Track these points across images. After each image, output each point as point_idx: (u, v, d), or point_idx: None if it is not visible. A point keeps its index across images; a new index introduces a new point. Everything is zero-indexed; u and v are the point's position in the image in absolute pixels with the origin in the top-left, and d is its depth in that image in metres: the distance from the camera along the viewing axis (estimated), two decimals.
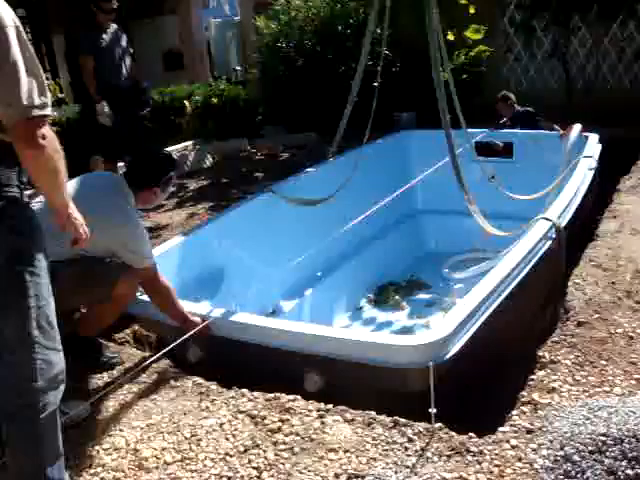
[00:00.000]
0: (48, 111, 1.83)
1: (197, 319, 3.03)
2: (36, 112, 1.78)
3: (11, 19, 1.76)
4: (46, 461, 1.96)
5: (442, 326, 2.66)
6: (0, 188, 1.87)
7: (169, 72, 11.21)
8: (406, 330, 4.65)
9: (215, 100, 8.58)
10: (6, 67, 1.74)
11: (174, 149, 7.79)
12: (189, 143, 8.12)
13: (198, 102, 8.72)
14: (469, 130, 4.23)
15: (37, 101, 1.78)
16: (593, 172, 4.78)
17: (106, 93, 5.55)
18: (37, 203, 2.67)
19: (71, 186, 2.13)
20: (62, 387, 2.00)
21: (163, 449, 2.38)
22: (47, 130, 1.83)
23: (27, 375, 1.90)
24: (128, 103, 5.79)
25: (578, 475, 2.02)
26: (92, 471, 2.31)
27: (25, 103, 1.76)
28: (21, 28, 1.79)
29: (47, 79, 1.85)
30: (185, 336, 2.81)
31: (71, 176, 2.29)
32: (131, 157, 3.49)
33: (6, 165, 1.89)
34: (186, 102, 8.79)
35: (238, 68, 10.56)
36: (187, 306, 3.17)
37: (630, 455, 2.03)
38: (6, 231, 1.87)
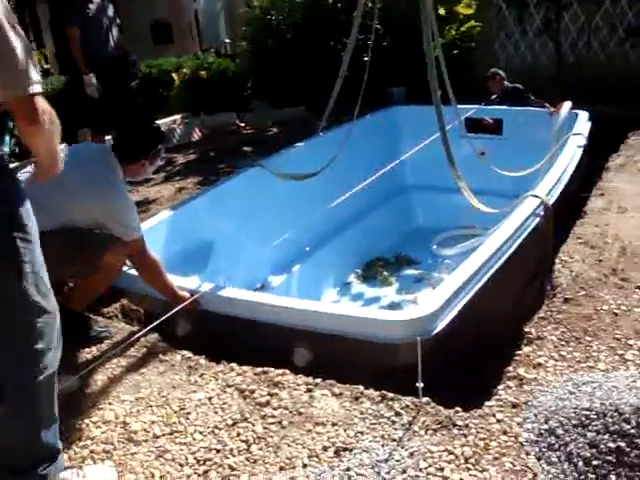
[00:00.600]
0: (40, 87, 1.82)
1: (185, 293, 3.03)
2: (36, 88, 1.78)
3: None
4: (42, 424, 1.97)
5: (430, 302, 2.68)
6: None
7: (157, 45, 11.06)
8: (394, 306, 4.68)
9: (204, 73, 8.48)
10: (2, 47, 1.72)
11: (162, 122, 7.71)
12: (177, 116, 8.05)
13: (186, 75, 8.63)
14: (459, 106, 4.23)
15: (34, 77, 1.77)
16: (582, 150, 4.79)
17: (93, 64, 5.48)
18: (23, 174, 2.65)
19: (65, 155, 2.11)
20: (60, 351, 2.01)
21: (152, 422, 2.39)
22: (44, 103, 1.82)
23: (28, 337, 1.91)
24: (116, 75, 5.72)
25: (561, 448, 2.06)
26: (81, 444, 2.32)
27: (24, 80, 1.75)
28: (6, 2, 1.76)
29: (32, 50, 1.85)
30: (173, 310, 2.82)
31: None
32: (119, 130, 3.46)
33: None
34: (174, 75, 8.70)
35: (227, 41, 10.43)
36: (176, 280, 3.17)
37: (612, 429, 2.06)
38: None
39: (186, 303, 2.93)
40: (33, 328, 1.91)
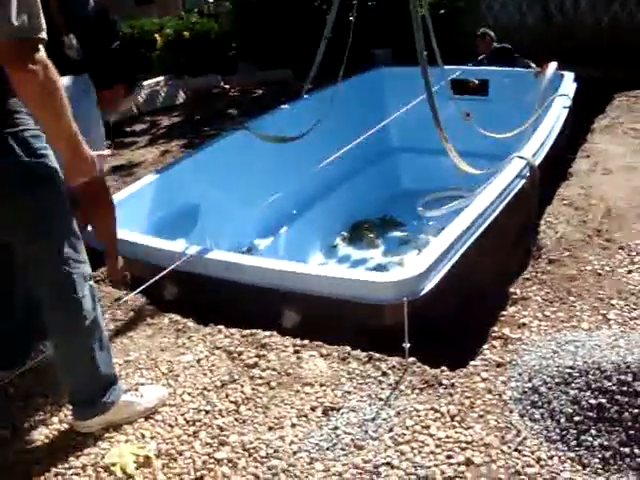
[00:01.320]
0: (42, 35, 1.74)
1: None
2: (27, 34, 1.70)
3: None
4: (95, 357, 2.10)
5: (417, 263, 2.69)
6: (11, 115, 1.88)
7: (139, 6, 10.84)
8: (380, 268, 4.71)
9: (187, 34, 8.34)
10: None
11: (145, 84, 7.61)
12: (160, 78, 7.93)
13: (170, 36, 8.48)
14: (445, 67, 4.20)
15: (28, 23, 1.69)
16: (567, 111, 4.78)
17: (73, 25, 5.36)
18: None
19: None
20: (95, 290, 2.15)
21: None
22: (41, 56, 1.74)
23: (69, 290, 2.01)
24: (97, 36, 5.61)
25: (545, 405, 2.10)
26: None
27: (16, 23, 1.67)
28: None
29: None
30: (161, 274, 2.80)
31: None
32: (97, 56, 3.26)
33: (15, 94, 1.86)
34: (157, 36, 8.54)
35: (210, 0, 10.23)
36: (163, 244, 3.17)
37: (594, 386, 2.11)
38: (21, 156, 1.88)
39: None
40: (70, 280, 2.01)
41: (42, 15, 1.75)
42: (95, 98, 2.86)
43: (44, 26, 1.76)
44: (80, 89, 2.80)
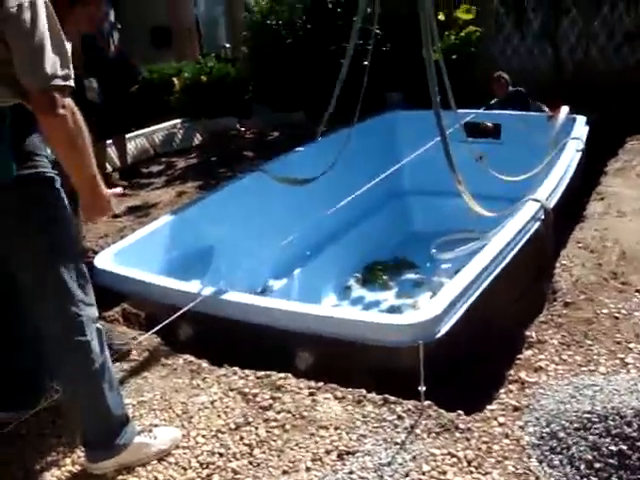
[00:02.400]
0: (71, 82, 1.87)
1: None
2: (58, 82, 1.83)
3: None
4: (106, 399, 2.11)
5: (432, 305, 2.69)
6: (29, 156, 1.95)
7: (157, 48, 11.08)
8: (394, 309, 4.69)
9: (204, 78, 8.49)
10: (35, 39, 1.79)
11: (162, 127, 7.74)
12: (177, 121, 8.05)
13: (187, 80, 8.64)
14: (458, 111, 4.24)
15: (60, 72, 1.83)
16: (580, 154, 4.81)
17: (94, 68, 5.49)
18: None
19: None
20: (103, 333, 2.16)
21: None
22: (69, 102, 1.86)
23: (77, 332, 2.03)
24: (116, 79, 5.73)
25: (563, 451, 2.07)
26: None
27: (48, 72, 1.80)
28: (49, 2, 1.85)
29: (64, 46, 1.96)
30: (175, 314, 2.81)
31: None
32: None
33: (37, 135, 1.96)
34: (175, 79, 8.70)
35: (227, 45, 10.44)
36: (177, 284, 3.18)
37: (614, 432, 2.08)
38: (37, 197, 1.97)
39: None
40: (78, 319, 2.03)
41: (71, 62, 1.85)
42: None
43: (72, 73, 1.86)
44: None
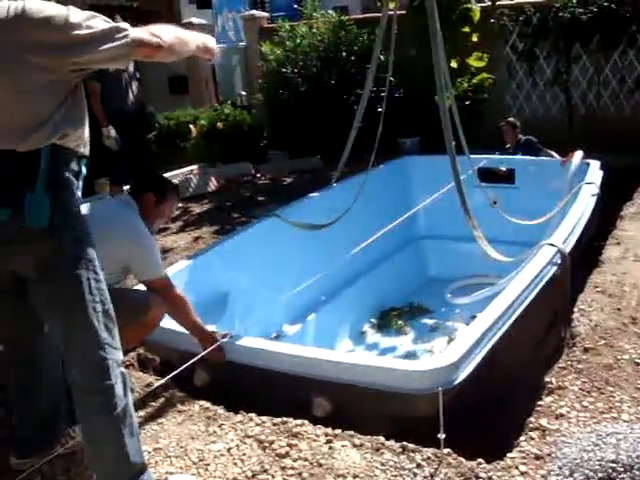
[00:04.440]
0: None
1: (216, 335, 3.03)
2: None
3: None
4: (125, 447, 2.07)
5: (451, 351, 2.67)
6: (66, 200, 2.00)
7: (174, 95, 11.30)
8: (410, 355, 4.65)
9: (220, 125, 8.64)
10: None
11: (179, 172, 7.84)
12: (194, 167, 8.16)
13: (204, 126, 8.79)
14: (472, 156, 4.27)
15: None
16: (595, 198, 4.81)
17: (112, 117, 5.61)
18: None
19: (85, 209, 2.19)
20: (128, 381, 2.16)
21: (171, 474, 2.37)
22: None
23: (102, 376, 2.03)
24: (134, 127, 5.84)
25: None
26: None
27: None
28: None
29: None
30: (193, 360, 2.80)
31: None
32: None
33: (68, 169, 2.01)
34: (192, 126, 8.86)
35: (243, 93, 10.64)
36: None
37: None
38: (70, 242, 2.00)
39: (215, 345, 2.93)
40: (105, 366, 2.03)
41: None
42: (137, 212, 3.02)
43: None
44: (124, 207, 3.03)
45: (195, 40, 2.26)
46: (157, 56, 2.08)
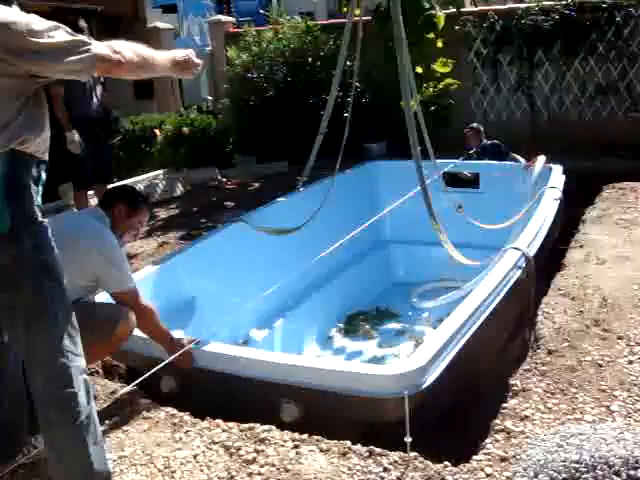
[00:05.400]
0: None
1: (183, 341, 3.00)
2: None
3: None
4: (92, 457, 2.05)
5: (417, 356, 2.67)
6: (26, 205, 1.96)
7: (139, 100, 11.19)
8: (376, 360, 4.65)
9: (186, 130, 8.58)
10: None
11: (144, 178, 7.76)
12: (159, 172, 8.08)
13: (169, 131, 8.72)
14: (437, 161, 4.32)
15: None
16: (558, 202, 4.88)
17: (76, 122, 5.52)
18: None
19: (54, 223, 2.15)
20: (91, 389, 2.15)
21: None
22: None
23: (65, 383, 2.00)
24: (98, 132, 5.77)
25: None
26: None
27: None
28: None
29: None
30: (158, 366, 2.77)
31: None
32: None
33: (28, 175, 1.97)
34: (157, 131, 8.78)
35: (209, 98, 10.59)
36: None
37: None
38: (31, 249, 1.96)
39: (182, 351, 2.89)
40: (68, 374, 2.00)
41: None
42: (108, 223, 3.00)
43: None
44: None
45: (164, 60, 2.25)
46: (116, 73, 2.07)
